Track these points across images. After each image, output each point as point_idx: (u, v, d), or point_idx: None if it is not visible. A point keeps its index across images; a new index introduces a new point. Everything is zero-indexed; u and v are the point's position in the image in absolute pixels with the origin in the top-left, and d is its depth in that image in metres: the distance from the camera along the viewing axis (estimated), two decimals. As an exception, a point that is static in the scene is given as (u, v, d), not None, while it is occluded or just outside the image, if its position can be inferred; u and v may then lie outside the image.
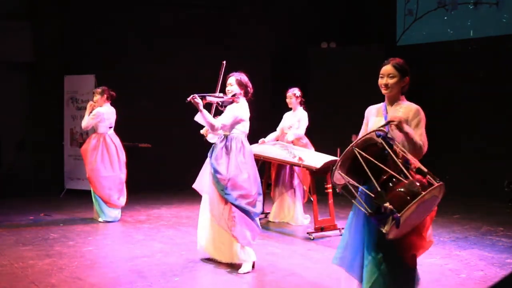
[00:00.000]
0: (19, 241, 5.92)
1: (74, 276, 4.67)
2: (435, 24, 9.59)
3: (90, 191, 7.13)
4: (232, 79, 4.97)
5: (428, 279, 4.63)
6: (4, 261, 5.10)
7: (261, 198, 4.93)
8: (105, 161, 7.02)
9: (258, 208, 4.87)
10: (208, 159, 5.01)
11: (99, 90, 7.13)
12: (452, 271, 4.86)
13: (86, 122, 7.04)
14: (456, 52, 9.29)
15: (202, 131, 5.15)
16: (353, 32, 10.51)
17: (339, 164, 3.12)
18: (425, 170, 3.01)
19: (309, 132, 7.09)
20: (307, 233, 6.25)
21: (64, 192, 9.16)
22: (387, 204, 2.85)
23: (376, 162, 2.99)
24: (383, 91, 3.43)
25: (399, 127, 3.16)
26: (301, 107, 7.02)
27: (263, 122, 7.66)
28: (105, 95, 7.10)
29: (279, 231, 6.61)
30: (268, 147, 6.77)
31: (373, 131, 3.13)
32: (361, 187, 3.16)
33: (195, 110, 4.72)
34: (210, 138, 5.11)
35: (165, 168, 9.56)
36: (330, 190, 6.34)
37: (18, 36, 9.41)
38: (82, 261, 5.15)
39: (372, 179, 2.96)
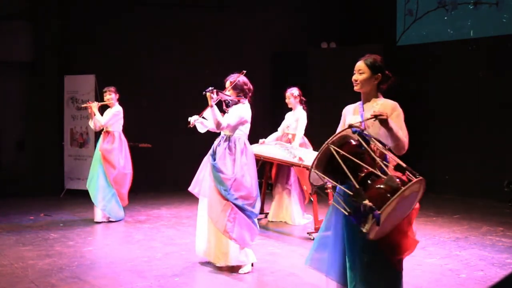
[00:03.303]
0: (19, 241, 5.92)
1: (74, 276, 4.67)
2: (435, 24, 9.59)
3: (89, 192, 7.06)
4: (227, 83, 4.94)
5: (428, 279, 4.64)
6: (4, 261, 5.10)
7: (259, 199, 4.93)
8: (126, 158, 7.10)
9: (257, 208, 4.87)
10: (205, 161, 4.99)
11: (112, 89, 7.13)
12: (452, 271, 4.86)
13: (106, 120, 6.97)
14: (456, 52, 9.29)
15: (191, 119, 4.95)
16: (353, 32, 10.51)
17: (315, 163, 3.00)
18: (404, 165, 2.90)
19: (309, 132, 7.09)
20: (307, 233, 6.26)
21: (64, 192, 9.16)
22: (366, 202, 2.72)
23: (354, 159, 2.89)
24: (354, 87, 3.39)
25: (385, 122, 3.03)
26: (301, 107, 7.01)
27: (263, 123, 7.66)
28: (118, 94, 7.17)
29: (278, 231, 6.61)
30: (268, 147, 6.77)
31: (349, 127, 3.03)
32: (339, 186, 3.04)
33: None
34: (200, 128, 5.02)
35: (165, 168, 9.56)
36: (330, 190, 6.33)
37: (18, 36, 9.42)
38: (82, 261, 5.16)
39: (350, 176, 2.84)
